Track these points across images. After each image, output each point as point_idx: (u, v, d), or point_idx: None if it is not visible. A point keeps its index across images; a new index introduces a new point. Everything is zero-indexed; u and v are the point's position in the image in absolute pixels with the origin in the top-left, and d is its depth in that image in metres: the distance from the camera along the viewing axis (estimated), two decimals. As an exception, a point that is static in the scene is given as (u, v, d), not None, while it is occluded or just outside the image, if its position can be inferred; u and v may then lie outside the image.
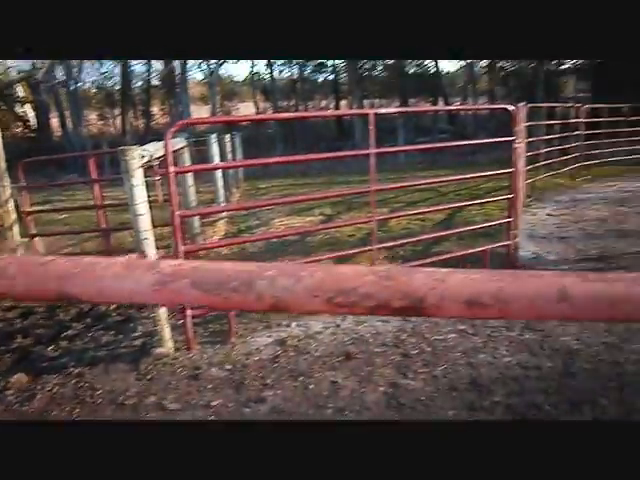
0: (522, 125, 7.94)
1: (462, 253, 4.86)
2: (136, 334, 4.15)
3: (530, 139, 9.43)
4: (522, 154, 6.75)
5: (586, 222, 7.01)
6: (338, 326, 4.15)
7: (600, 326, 3.86)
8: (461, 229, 5.06)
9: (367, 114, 3.93)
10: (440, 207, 5.10)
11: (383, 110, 4.28)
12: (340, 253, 4.33)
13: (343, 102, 30.38)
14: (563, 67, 31.54)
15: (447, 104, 28.20)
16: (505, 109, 4.79)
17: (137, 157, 3.32)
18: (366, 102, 29.71)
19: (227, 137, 10.69)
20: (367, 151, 3.91)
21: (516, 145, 4.49)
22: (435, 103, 27.85)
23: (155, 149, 3.80)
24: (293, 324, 4.20)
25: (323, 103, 32.64)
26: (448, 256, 4.99)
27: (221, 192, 8.21)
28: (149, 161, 3.65)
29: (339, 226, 5.80)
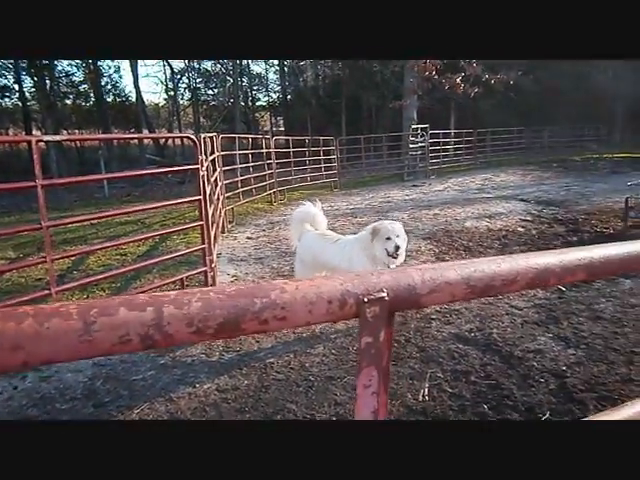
0: (216, 153, 8.28)
1: (161, 283, 4.72)
2: None
3: (227, 167, 9.91)
4: (216, 181, 6.99)
5: (280, 242, 7.65)
6: (15, 388, 3.53)
7: (291, 335, 4.17)
8: (157, 259, 4.90)
9: (29, 141, 3.48)
10: (122, 240, 4.86)
11: (47, 137, 3.85)
12: (12, 301, 3.70)
13: (38, 132, 27.28)
14: (258, 104, 34.70)
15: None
16: (189, 137, 4.85)
17: None
18: (65, 132, 27.30)
19: None
20: (32, 183, 3.44)
21: (201, 172, 4.57)
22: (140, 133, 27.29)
23: None
24: (-50, 397, 3.40)
25: (10, 132, 28.75)
26: (147, 288, 4.79)
27: None
28: None
29: (3, 271, 5.02)
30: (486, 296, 0.78)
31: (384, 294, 0.63)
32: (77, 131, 29.54)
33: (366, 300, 0.61)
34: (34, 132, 27.20)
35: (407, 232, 7.98)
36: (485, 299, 4.74)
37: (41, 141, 3.52)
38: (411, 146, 17.37)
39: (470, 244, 7.02)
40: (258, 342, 4.07)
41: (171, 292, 0.54)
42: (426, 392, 3.22)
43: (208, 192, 5.07)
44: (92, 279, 4.39)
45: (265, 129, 35.09)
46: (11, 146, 26.71)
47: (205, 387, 3.44)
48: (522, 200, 10.83)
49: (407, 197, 12.63)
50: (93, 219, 4.77)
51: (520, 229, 7.93)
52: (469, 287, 0.70)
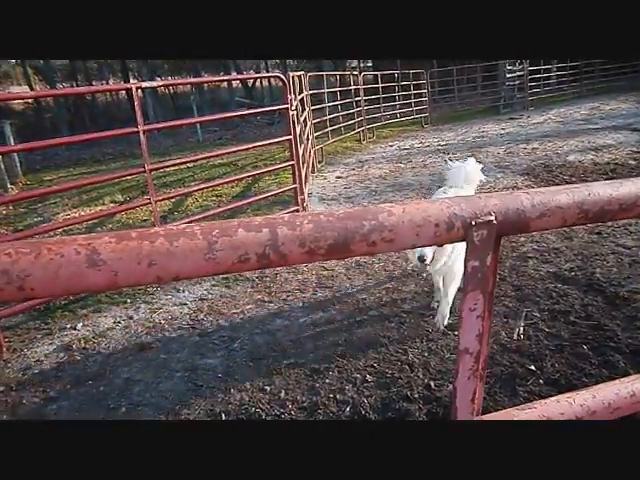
0: (305, 92, 8.23)
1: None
2: None
3: (315, 106, 9.85)
4: (305, 121, 6.98)
5: (370, 180, 7.60)
6: (131, 318, 3.90)
7: (382, 273, 4.21)
8: (250, 199, 5.08)
9: (129, 89, 3.65)
10: (217, 182, 5.04)
11: (145, 84, 4.01)
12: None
13: (134, 81, 28.45)
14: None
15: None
16: (278, 77, 4.86)
17: None
18: (159, 79, 28.26)
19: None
20: (135, 129, 3.64)
21: (291, 112, 4.59)
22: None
23: None
24: (79, 325, 3.83)
25: (111, 82, 30.20)
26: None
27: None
28: None
29: (113, 212, 5.41)
30: (601, 221, 0.73)
31: (492, 217, 0.62)
32: (170, 78, 30.44)
33: (474, 223, 0.60)
34: (132, 81, 28.42)
35: (503, 168, 7.64)
36: (588, 237, 4.47)
37: (140, 88, 3.68)
38: (508, 76, 16.19)
39: (573, 179, 6.57)
40: (350, 279, 4.15)
41: (284, 214, 0.56)
42: (521, 331, 3.15)
43: (298, 132, 5.09)
44: (192, 219, 4.65)
45: (353, 65, 34.13)
46: (112, 96, 28.14)
47: (300, 321, 3.59)
48: (635, 130, 9.83)
49: (503, 131, 11.94)
50: (190, 161, 5.00)
51: (632, 162, 7.26)
52: (582, 212, 0.66)
